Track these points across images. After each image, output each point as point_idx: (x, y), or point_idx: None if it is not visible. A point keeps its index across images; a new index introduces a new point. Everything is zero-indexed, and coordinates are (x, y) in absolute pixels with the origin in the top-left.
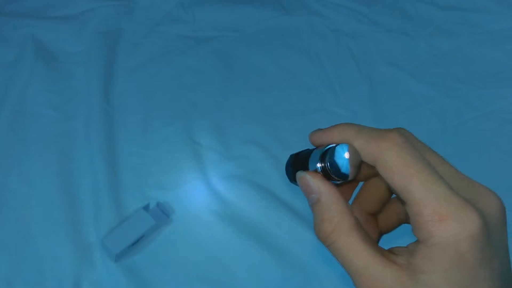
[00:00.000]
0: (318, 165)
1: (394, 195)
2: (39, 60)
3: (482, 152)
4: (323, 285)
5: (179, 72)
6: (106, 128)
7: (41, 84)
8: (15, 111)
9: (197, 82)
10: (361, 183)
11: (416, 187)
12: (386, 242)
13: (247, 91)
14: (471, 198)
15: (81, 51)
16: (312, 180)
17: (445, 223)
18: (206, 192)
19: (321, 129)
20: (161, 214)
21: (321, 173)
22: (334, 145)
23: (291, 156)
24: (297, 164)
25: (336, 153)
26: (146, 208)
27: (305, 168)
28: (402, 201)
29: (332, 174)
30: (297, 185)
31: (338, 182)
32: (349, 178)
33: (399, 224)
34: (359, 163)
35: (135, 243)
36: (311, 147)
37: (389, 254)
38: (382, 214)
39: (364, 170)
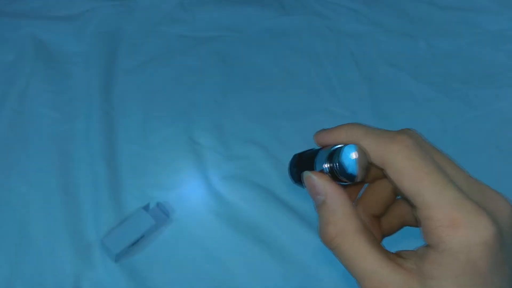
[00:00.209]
0: (325, 165)
1: (398, 197)
2: (39, 60)
3: (482, 152)
4: (323, 285)
5: (179, 72)
6: (106, 128)
7: (41, 84)
8: (15, 111)
9: (197, 82)
10: (365, 185)
11: (426, 190)
12: (389, 244)
13: (247, 91)
14: (482, 203)
15: (81, 51)
16: (318, 181)
17: (457, 229)
18: (206, 192)
19: (327, 129)
20: (161, 214)
21: (328, 174)
22: (341, 145)
23: (295, 156)
24: (301, 164)
25: (344, 154)
26: (146, 208)
27: (310, 168)
28: (411, 205)
29: (339, 175)
30: (300, 185)
31: (345, 184)
32: (357, 180)
33: (402, 226)
34: (367, 165)
35: (135, 243)
36: (312, 147)
37: (396, 258)
38: (385, 216)
39: (371, 172)
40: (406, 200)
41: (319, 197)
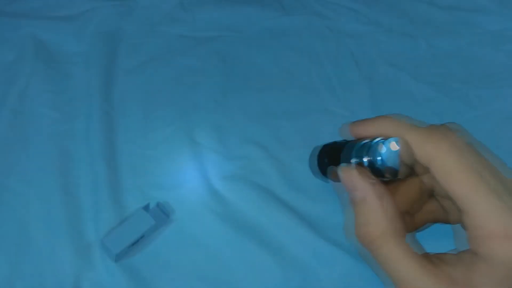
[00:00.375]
0: (365, 159)
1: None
2: (39, 60)
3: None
4: (323, 285)
5: (179, 72)
6: (106, 128)
7: (41, 84)
8: (15, 111)
9: (197, 82)
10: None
11: (479, 198)
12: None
13: (247, 91)
14: None
15: (81, 51)
16: (359, 176)
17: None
18: (206, 192)
19: (365, 120)
20: (161, 214)
21: (367, 168)
22: (381, 138)
23: (321, 147)
24: (330, 156)
25: (388, 148)
26: (146, 208)
27: (345, 159)
28: (457, 208)
29: (382, 170)
30: (324, 179)
31: (385, 180)
32: (399, 177)
33: (432, 222)
34: (411, 161)
35: (135, 243)
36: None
37: (440, 263)
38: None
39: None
40: (451, 201)
41: (357, 193)
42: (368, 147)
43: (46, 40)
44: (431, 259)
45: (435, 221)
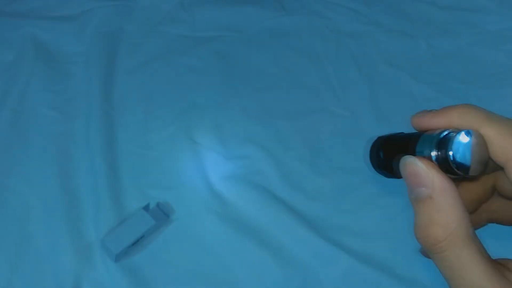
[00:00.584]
0: (433, 153)
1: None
2: (39, 60)
3: None
4: (323, 285)
5: (179, 72)
6: (106, 128)
7: (41, 84)
8: (15, 111)
9: (197, 82)
10: None
11: None
12: None
13: (247, 91)
14: None
15: (81, 51)
16: (426, 170)
17: None
18: (206, 192)
19: (432, 110)
20: (161, 214)
21: (435, 163)
22: (454, 131)
23: (379, 138)
24: (392, 149)
25: (460, 141)
26: (146, 208)
27: (406, 153)
28: None
29: (451, 166)
30: (384, 174)
31: (455, 177)
32: (472, 174)
33: (489, 222)
34: (485, 157)
35: (135, 243)
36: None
37: (505, 271)
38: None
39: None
40: None
41: (422, 189)
42: (437, 140)
43: (46, 40)
44: (498, 268)
45: (493, 221)
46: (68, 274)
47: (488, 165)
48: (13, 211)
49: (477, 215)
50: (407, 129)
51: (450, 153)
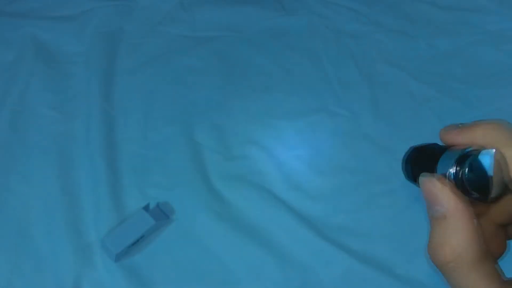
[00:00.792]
0: (451, 170)
1: None
2: (39, 60)
3: None
4: (323, 285)
5: (179, 72)
6: (106, 128)
7: (41, 84)
8: (15, 111)
9: (197, 82)
10: None
11: None
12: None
13: (247, 91)
14: None
15: (81, 51)
16: (442, 191)
17: None
18: (206, 192)
19: (460, 125)
20: (161, 214)
21: (453, 181)
22: (476, 149)
23: (413, 149)
24: (420, 161)
25: (479, 162)
26: (146, 208)
27: (431, 168)
28: None
29: (469, 187)
30: (415, 184)
31: (474, 197)
32: (490, 196)
33: None
34: (507, 179)
35: (135, 243)
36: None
37: None
38: None
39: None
40: None
41: (438, 208)
42: (457, 157)
43: (46, 40)
44: (506, 287)
45: None
46: (68, 274)
47: (509, 186)
48: (13, 211)
49: None
50: (407, 129)
51: (467, 172)
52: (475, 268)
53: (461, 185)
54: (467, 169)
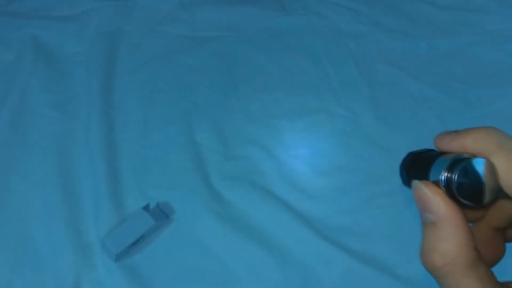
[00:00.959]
0: (442, 177)
1: None
2: (39, 60)
3: None
4: (323, 285)
5: (179, 72)
6: (106, 128)
7: (41, 84)
8: (15, 111)
9: (197, 82)
10: None
11: None
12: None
13: (247, 91)
14: None
15: (81, 51)
16: (432, 198)
17: None
18: (206, 192)
19: (453, 132)
20: (161, 214)
21: (444, 187)
22: (467, 156)
23: (410, 155)
24: (415, 166)
25: (468, 169)
26: (146, 208)
27: (424, 174)
28: None
29: (458, 195)
30: (410, 188)
31: (464, 203)
32: (479, 204)
33: None
34: (496, 187)
35: (135, 243)
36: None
37: None
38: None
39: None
40: None
41: (428, 215)
42: (448, 164)
43: (46, 40)
44: None
45: None
46: (68, 274)
47: (499, 194)
48: (13, 211)
49: None
50: (406, 129)
51: (457, 180)
52: (467, 273)
53: (451, 191)
54: (456, 176)
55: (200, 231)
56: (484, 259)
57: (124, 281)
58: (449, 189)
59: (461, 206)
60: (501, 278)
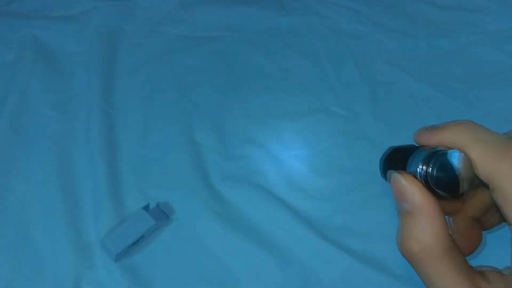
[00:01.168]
0: (419, 169)
1: None
2: (39, 60)
3: None
4: (323, 285)
5: (179, 72)
6: (106, 128)
7: (41, 84)
8: (15, 111)
9: (197, 82)
10: None
11: None
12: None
13: (247, 91)
14: None
15: (81, 51)
16: (408, 187)
17: None
18: (206, 192)
19: (432, 127)
20: (161, 214)
21: (421, 179)
22: (443, 149)
23: (390, 149)
24: (394, 160)
25: (443, 162)
26: (146, 208)
27: (403, 167)
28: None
29: (434, 186)
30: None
31: (439, 194)
32: (455, 194)
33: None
34: (471, 178)
35: (135, 243)
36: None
37: (481, 282)
38: (487, 214)
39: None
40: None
41: (404, 204)
42: (425, 156)
43: (46, 40)
44: (473, 280)
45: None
46: (68, 274)
47: (474, 184)
48: (13, 211)
49: (492, 215)
50: (407, 129)
51: (432, 172)
52: (443, 260)
53: (427, 182)
54: (432, 168)
55: (200, 231)
56: (462, 248)
57: (124, 281)
58: (425, 180)
59: (438, 197)
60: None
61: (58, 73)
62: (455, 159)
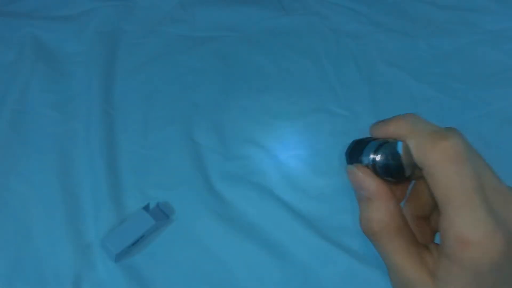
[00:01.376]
0: (370, 158)
1: None
2: (39, 60)
3: (482, 152)
4: (323, 285)
5: (179, 72)
6: (106, 128)
7: (41, 84)
8: (15, 111)
9: (197, 82)
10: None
11: (451, 209)
12: None
13: (247, 91)
14: (505, 216)
15: (81, 51)
16: (363, 177)
17: (468, 247)
18: (206, 192)
19: (382, 121)
20: (161, 214)
21: (371, 168)
22: (390, 140)
23: (353, 142)
24: (354, 152)
25: (387, 151)
26: (146, 208)
27: (359, 158)
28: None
29: (380, 172)
30: None
31: (391, 180)
32: (398, 179)
33: None
34: (412, 164)
35: (135, 243)
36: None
37: (426, 254)
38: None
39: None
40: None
41: (362, 192)
42: (374, 148)
43: (46, 40)
44: (421, 253)
45: None
46: (68, 274)
47: (415, 170)
48: (13, 211)
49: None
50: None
51: (378, 160)
52: (397, 236)
53: (376, 170)
54: (379, 157)
55: (200, 231)
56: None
57: (124, 281)
58: (374, 168)
59: (387, 182)
60: None
61: (58, 73)
62: (399, 148)
